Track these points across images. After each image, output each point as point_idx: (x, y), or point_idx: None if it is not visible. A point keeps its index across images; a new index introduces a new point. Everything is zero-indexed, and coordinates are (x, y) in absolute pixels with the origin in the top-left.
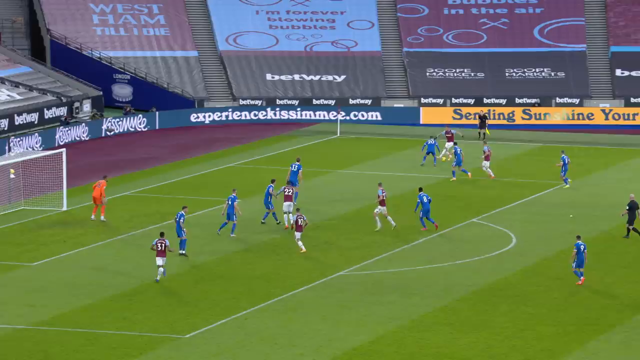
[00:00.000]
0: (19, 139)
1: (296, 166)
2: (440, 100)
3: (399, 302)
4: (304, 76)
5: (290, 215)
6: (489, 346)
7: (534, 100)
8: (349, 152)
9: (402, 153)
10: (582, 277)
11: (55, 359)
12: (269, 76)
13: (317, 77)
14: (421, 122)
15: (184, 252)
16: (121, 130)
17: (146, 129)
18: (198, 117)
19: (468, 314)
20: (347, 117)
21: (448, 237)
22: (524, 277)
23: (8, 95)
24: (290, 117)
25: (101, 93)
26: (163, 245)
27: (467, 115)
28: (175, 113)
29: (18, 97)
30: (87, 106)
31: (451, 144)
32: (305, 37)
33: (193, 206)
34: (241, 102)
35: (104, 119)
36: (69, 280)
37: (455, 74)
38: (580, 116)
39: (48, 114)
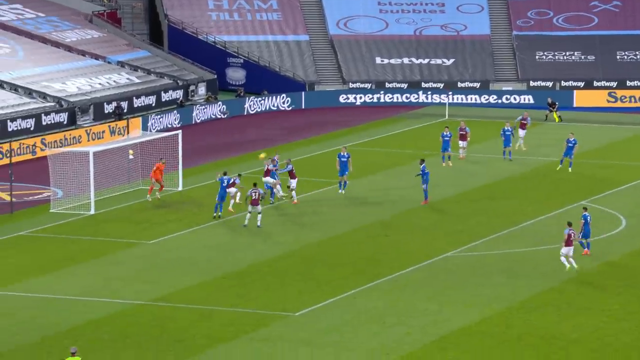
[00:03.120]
0: (159, 116)
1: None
2: (550, 84)
3: (506, 283)
4: (413, 60)
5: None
6: (597, 328)
7: None
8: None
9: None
10: (585, 249)
11: (171, 333)
12: (378, 60)
13: (426, 61)
14: (574, 106)
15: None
16: (263, 109)
17: (290, 108)
18: (348, 98)
19: (575, 296)
20: (496, 100)
21: (557, 219)
22: (633, 260)
23: (127, 79)
24: (399, 100)
25: (215, 76)
26: (257, 194)
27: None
28: (325, 93)
29: (137, 81)
30: (202, 89)
31: (524, 132)
32: (415, 21)
33: (303, 187)
34: (351, 85)
35: (265, 98)
36: (184, 258)
37: (565, 57)
38: None
39: (165, 97)
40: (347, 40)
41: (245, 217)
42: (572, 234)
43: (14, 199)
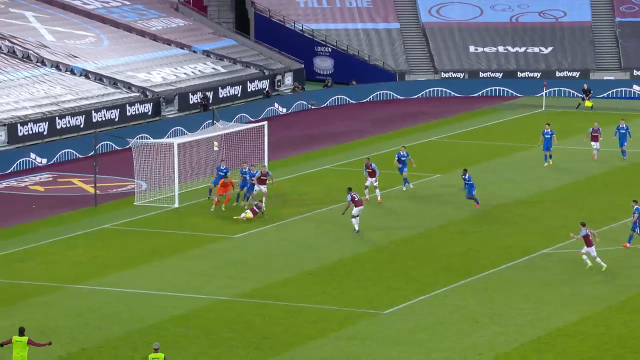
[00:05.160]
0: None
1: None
2: None
3: (604, 282)
4: (509, 48)
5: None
6: None
7: None
8: (553, 127)
9: (606, 128)
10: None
11: (256, 330)
12: (472, 48)
13: (523, 49)
14: None
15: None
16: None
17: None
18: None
19: None
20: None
21: None
22: None
23: (213, 68)
24: (494, 90)
25: (303, 66)
26: (357, 196)
27: None
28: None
29: (222, 70)
30: (288, 79)
31: (597, 144)
32: (511, 7)
33: (393, 181)
34: (443, 75)
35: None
36: (269, 253)
37: None
38: None
39: (251, 87)
40: (439, 28)
41: (354, 224)
42: (590, 234)
43: (98, 192)
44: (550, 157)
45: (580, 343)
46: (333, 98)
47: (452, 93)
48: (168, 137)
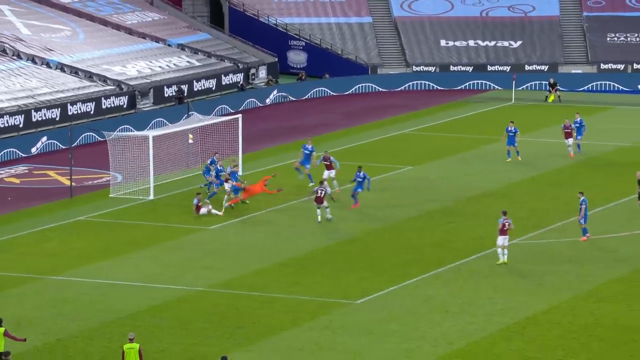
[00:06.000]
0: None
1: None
2: (621, 66)
3: (573, 272)
4: (479, 42)
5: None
6: None
7: None
8: (523, 120)
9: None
10: (586, 235)
11: (230, 320)
12: (443, 42)
13: (492, 43)
14: None
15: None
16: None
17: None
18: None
19: None
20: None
21: (626, 207)
22: None
23: (188, 62)
24: (464, 84)
25: (276, 60)
26: (323, 192)
27: None
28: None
29: (197, 64)
30: (262, 73)
31: (570, 140)
32: (481, 1)
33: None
34: (414, 68)
35: None
36: (243, 244)
37: (638, 39)
38: None
39: (225, 80)
40: (411, 22)
41: (317, 215)
42: (507, 223)
43: (73, 184)
44: (518, 153)
45: (548, 331)
46: (312, 91)
47: (424, 86)
48: (149, 129)
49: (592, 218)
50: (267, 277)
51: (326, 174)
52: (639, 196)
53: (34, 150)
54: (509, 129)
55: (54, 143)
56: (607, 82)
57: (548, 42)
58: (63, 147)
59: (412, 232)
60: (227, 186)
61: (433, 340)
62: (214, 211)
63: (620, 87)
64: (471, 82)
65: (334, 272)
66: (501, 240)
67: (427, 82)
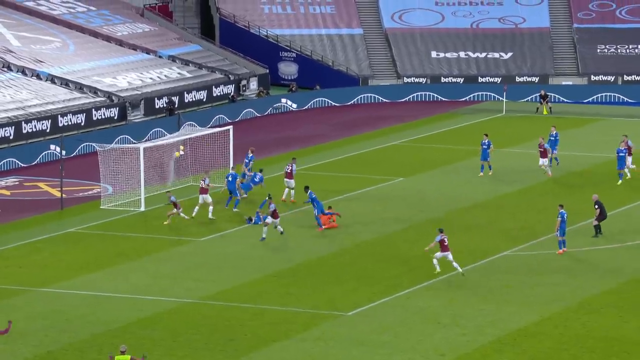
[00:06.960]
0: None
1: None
2: (611, 78)
3: (564, 283)
4: (470, 53)
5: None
6: None
7: None
8: (512, 131)
9: (566, 132)
10: (562, 249)
11: (221, 332)
12: (434, 54)
13: (483, 55)
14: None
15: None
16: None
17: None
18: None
19: (637, 297)
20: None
21: (617, 218)
22: None
23: (179, 73)
24: (455, 95)
25: (267, 71)
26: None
27: None
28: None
29: (188, 75)
30: (253, 84)
31: (544, 160)
32: (472, 13)
33: (356, 184)
34: (405, 79)
35: None
36: (234, 255)
37: (628, 51)
38: None
39: (216, 91)
40: (402, 34)
41: (263, 231)
42: (445, 239)
43: (64, 195)
44: (490, 167)
45: (540, 343)
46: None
47: (415, 97)
48: (146, 140)
49: (583, 229)
50: (258, 289)
51: (286, 192)
52: (595, 217)
53: (23, 161)
54: (483, 142)
55: (43, 155)
56: (600, 94)
57: (539, 54)
58: (53, 159)
59: (403, 244)
60: (201, 198)
61: (424, 352)
62: (182, 214)
63: (611, 98)
64: (462, 94)
65: (325, 283)
66: (441, 254)
67: (418, 94)
